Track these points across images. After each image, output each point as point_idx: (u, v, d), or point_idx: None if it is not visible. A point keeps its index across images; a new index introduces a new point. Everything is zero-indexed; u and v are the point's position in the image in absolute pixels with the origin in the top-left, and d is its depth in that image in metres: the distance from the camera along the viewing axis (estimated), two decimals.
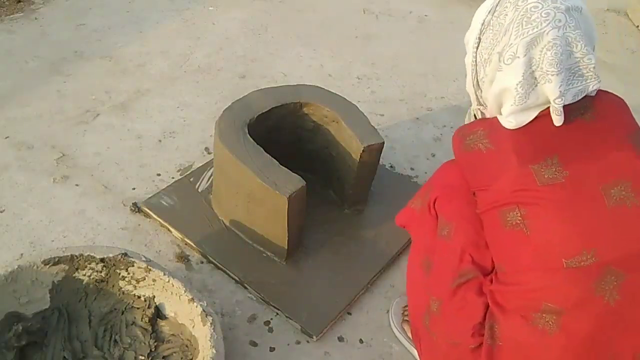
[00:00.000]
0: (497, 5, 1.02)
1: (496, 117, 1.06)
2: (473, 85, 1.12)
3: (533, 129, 1.00)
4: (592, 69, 0.97)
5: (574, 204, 0.94)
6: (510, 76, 0.99)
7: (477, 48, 1.07)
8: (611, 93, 1.07)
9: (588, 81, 0.98)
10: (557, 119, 0.97)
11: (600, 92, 1.04)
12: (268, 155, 1.47)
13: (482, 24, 1.05)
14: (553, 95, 0.96)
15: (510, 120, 1.01)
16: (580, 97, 0.99)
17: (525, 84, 0.98)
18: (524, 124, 1.00)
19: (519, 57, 0.97)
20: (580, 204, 0.94)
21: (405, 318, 1.44)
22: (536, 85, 0.98)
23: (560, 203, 0.95)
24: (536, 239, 0.96)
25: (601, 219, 0.94)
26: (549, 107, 0.98)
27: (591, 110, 1.01)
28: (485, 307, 1.06)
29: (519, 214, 0.97)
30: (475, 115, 1.21)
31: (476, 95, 1.13)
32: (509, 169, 0.98)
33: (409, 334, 1.40)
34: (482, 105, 1.14)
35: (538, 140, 0.99)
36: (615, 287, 0.92)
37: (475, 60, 1.08)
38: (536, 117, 1.00)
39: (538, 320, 0.96)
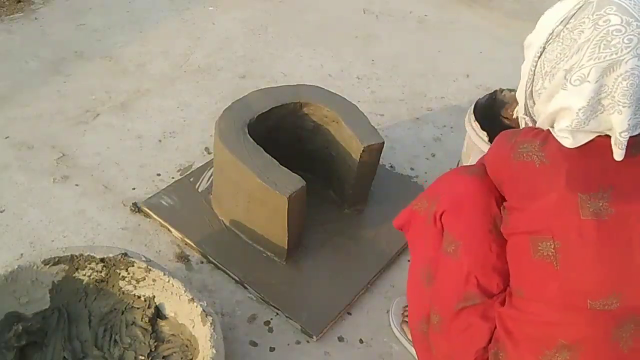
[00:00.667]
0: (571, 17, 0.92)
1: (548, 131, 0.98)
2: (525, 95, 1.03)
3: (591, 155, 0.92)
4: None
5: (611, 246, 0.89)
6: (575, 99, 0.90)
7: (540, 57, 0.98)
8: None
9: None
10: (619, 153, 0.89)
11: None
12: (268, 155, 1.47)
13: (551, 34, 0.95)
14: (620, 127, 0.88)
15: (566, 136, 0.92)
16: None
17: (589, 110, 0.89)
18: (581, 143, 0.92)
19: (589, 81, 0.88)
20: (617, 247, 0.89)
21: (405, 319, 1.44)
22: (601, 113, 0.89)
23: (597, 242, 0.89)
24: (565, 274, 0.91)
25: (634, 264, 0.89)
26: (608, 138, 0.91)
27: None
28: (491, 332, 1.03)
29: (552, 246, 0.91)
30: (517, 118, 1.13)
31: (526, 104, 1.05)
32: (554, 190, 0.91)
33: (409, 334, 1.40)
34: (529, 117, 1.07)
35: (594, 168, 0.92)
36: (631, 335, 0.90)
37: (534, 70, 0.99)
38: (595, 142, 0.92)
39: (549, 358, 0.93)
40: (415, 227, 1.20)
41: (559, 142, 0.94)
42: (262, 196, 1.43)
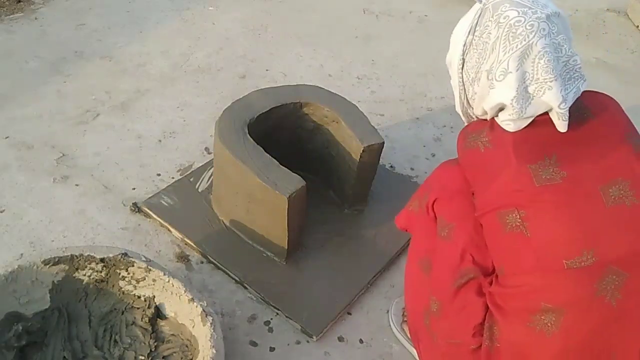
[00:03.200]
0: (476, 26, 1.03)
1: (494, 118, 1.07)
2: (463, 105, 1.13)
3: (533, 130, 1.01)
4: (578, 69, 0.99)
5: (572, 205, 0.95)
6: (504, 92, 0.99)
7: (463, 68, 1.08)
8: (601, 93, 1.09)
9: (578, 81, 0.99)
10: (562, 125, 0.98)
11: (590, 92, 1.05)
12: (268, 155, 1.47)
13: (464, 45, 1.06)
14: (557, 101, 0.96)
15: (508, 123, 1.02)
16: (574, 99, 1.00)
17: (520, 98, 0.98)
18: (522, 127, 1.01)
19: (511, 72, 0.98)
20: (578, 204, 0.95)
21: (405, 319, 1.44)
22: (532, 99, 0.98)
23: (559, 204, 0.95)
24: (536, 240, 0.96)
25: (600, 218, 0.94)
26: (547, 113, 0.99)
27: (586, 111, 1.02)
28: (486, 307, 1.06)
29: (518, 216, 0.97)
30: None
31: (468, 112, 1.14)
32: (507, 168, 0.98)
33: (409, 334, 1.40)
34: (474, 120, 1.15)
35: (537, 140, 1.00)
36: (616, 287, 0.92)
37: (462, 80, 1.09)
38: (536, 121, 1.01)
39: (536, 322, 0.96)
40: (414, 224, 1.24)
41: (504, 128, 1.03)
42: (262, 196, 1.43)
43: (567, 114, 0.97)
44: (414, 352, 1.37)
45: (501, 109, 1.03)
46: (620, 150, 0.99)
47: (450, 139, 2.14)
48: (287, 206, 1.39)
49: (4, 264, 1.22)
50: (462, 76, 1.09)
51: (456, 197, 1.12)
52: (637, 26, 3.20)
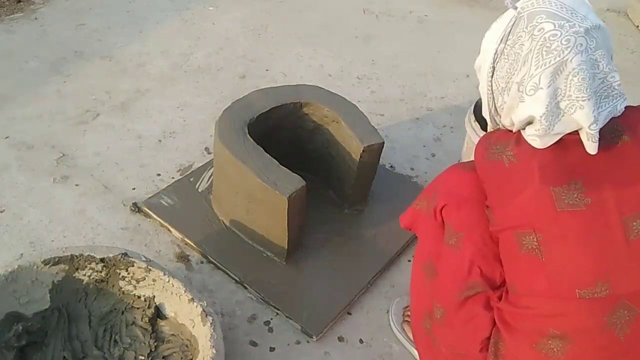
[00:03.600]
0: (509, 34, 0.98)
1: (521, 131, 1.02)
2: (490, 112, 1.08)
3: (562, 150, 0.96)
4: (617, 87, 0.94)
5: (592, 234, 0.91)
6: (534, 107, 0.94)
7: (492, 76, 1.03)
8: (636, 109, 1.02)
9: (616, 100, 0.94)
10: (592, 147, 0.92)
11: (631, 109, 0.99)
12: (268, 155, 1.47)
13: (495, 53, 1.00)
14: (587, 121, 0.91)
15: (534, 139, 0.97)
16: (609, 119, 0.94)
17: (550, 115, 0.93)
18: (549, 144, 0.96)
19: (542, 88, 0.93)
20: (599, 235, 0.91)
21: (406, 319, 1.44)
22: (563, 116, 0.93)
23: (579, 232, 0.91)
24: (551, 266, 0.93)
25: (619, 251, 0.91)
26: (577, 132, 0.95)
27: (621, 132, 0.96)
28: (493, 322, 1.04)
29: (535, 239, 0.94)
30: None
31: (493, 120, 1.09)
32: (529, 187, 0.94)
33: (409, 334, 1.40)
34: (500, 127, 1.10)
35: (564, 162, 0.95)
36: (626, 322, 0.91)
37: (492, 89, 1.04)
38: (565, 140, 0.95)
39: (543, 345, 0.94)
40: (420, 225, 1.22)
41: (530, 143, 0.98)
42: (262, 196, 1.43)
43: (597, 135, 0.92)
44: (415, 352, 1.37)
45: (529, 123, 0.99)
46: None
47: (450, 139, 2.14)
48: (287, 206, 1.39)
49: (4, 264, 1.22)
50: (492, 84, 1.04)
51: (465, 205, 1.09)
52: (637, 26, 3.20)
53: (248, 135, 1.51)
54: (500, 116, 1.07)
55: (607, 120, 0.94)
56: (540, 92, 0.93)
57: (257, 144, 1.49)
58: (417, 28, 2.93)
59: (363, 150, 1.55)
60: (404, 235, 1.64)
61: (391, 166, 1.98)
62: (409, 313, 1.44)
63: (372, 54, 2.64)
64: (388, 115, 2.24)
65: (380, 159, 1.67)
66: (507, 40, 0.98)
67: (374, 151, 1.59)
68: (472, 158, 1.49)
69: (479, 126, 1.60)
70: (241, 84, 2.30)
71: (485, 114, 1.11)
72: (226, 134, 1.50)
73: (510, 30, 0.98)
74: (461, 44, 2.77)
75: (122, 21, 2.64)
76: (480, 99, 1.72)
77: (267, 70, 2.43)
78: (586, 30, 0.91)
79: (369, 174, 1.68)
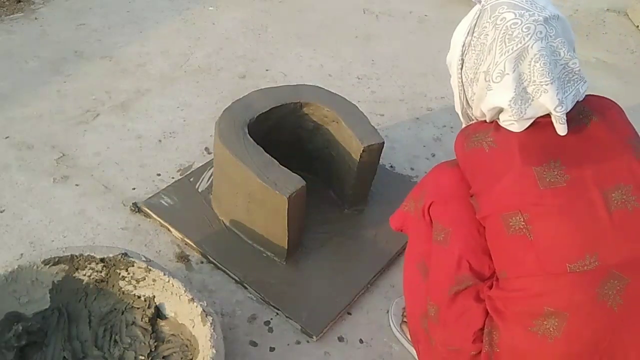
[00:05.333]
0: (474, 26, 1.04)
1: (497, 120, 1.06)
2: (463, 105, 1.13)
3: (539, 132, 1.00)
4: (577, 72, 0.99)
5: (575, 209, 0.94)
6: (502, 93, 0.99)
7: (462, 69, 1.08)
8: (605, 97, 1.08)
9: (577, 84, 0.99)
10: (561, 128, 0.97)
11: (594, 96, 1.05)
12: (268, 155, 1.47)
13: (463, 45, 1.06)
14: (553, 104, 0.96)
15: (512, 122, 1.01)
16: (575, 102, 1.00)
17: (519, 99, 0.98)
18: (526, 127, 1.01)
19: (507, 73, 0.98)
20: (581, 208, 0.94)
21: (405, 319, 1.44)
22: (532, 100, 0.98)
23: (562, 207, 0.95)
24: (540, 243, 0.95)
25: (603, 223, 0.94)
26: (549, 115, 0.99)
27: (590, 115, 1.02)
28: (486, 312, 1.05)
29: (522, 219, 0.96)
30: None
31: (467, 113, 1.15)
32: (511, 169, 0.98)
33: (408, 335, 1.40)
34: (473, 121, 1.15)
35: (542, 142, 0.99)
36: (618, 292, 0.92)
37: (462, 81, 1.10)
38: (537, 122, 1.00)
39: (538, 327, 0.96)
40: (410, 226, 1.24)
41: (508, 129, 1.03)
42: (262, 196, 1.43)
43: (564, 117, 0.97)
44: (414, 352, 1.37)
45: (499, 112, 1.03)
46: (623, 154, 0.99)
47: (450, 139, 2.14)
48: (287, 206, 1.39)
49: (4, 264, 1.22)
50: (462, 77, 1.09)
51: (452, 201, 1.11)
52: (637, 26, 3.20)
53: (248, 135, 1.51)
54: (471, 108, 1.11)
55: (574, 103, 0.99)
56: (507, 78, 0.98)
57: (257, 144, 1.49)
58: (417, 28, 2.93)
59: (363, 150, 1.55)
60: (404, 235, 1.63)
61: (391, 166, 1.98)
62: None
63: (372, 54, 2.64)
64: (388, 115, 2.24)
65: (380, 159, 1.67)
66: (473, 32, 1.04)
67: (374, 151, 1.59)
68: None
69: None
70: (241, 84, 2.30)
71: (458, 108, 1.16)
72: (226, 134, 1.50)
73: (476, 23, 1.04)
74: None
75: (122, 21, 2.64)
76: None
77: (267, 70, 2.43)
78: (545, 19, 0.96)
79: (369, 174, 1.68)
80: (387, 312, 1.49)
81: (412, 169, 1.99)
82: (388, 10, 3.06)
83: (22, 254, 1.50)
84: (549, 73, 0.96)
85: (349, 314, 1.49)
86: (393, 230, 1.30)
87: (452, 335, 1.10)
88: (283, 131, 1.70)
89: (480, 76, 1.03)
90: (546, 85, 0.96)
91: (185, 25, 2.68)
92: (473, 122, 1.14)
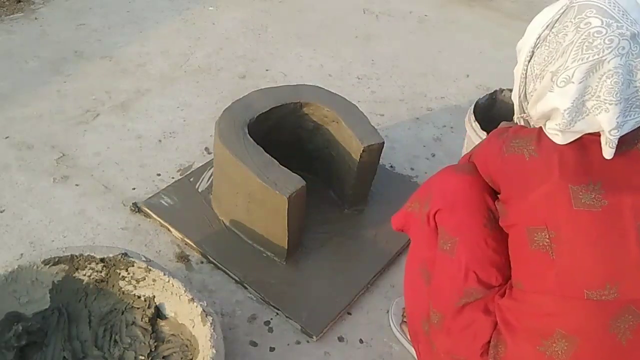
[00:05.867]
0: (556, 22, 0.96)
1: (540, 128, 1.02)
2: (519, 96, 1.07)
3: (584, 149, 0.95)
4: None
5: (606, 236, 0.91)
6: (560, 100, 0.93)
7: (530, 61, 1.01)
8: None
9: None
10: (609, 152, 0.91)
11: None
12: (268, 155, 1.47)
13: (538, 38, 0.98)
14: (609, 126, 0.90)
15: (556, 133, 0.96)
16: (632, 130, 0.93)
17: (573, 111, 0.92)
18: (570, 141, 0.95)
19: (573, 82, 0.91)
20: (611, 237, 0.91)
21: (405, 319, 1.44)
22: (587, 115, 0.92)
23: (592, 233, 0.91)
24: (561, 264, 0.93)
25: (631, 256, 0.90)
26: (599, 134, 0.94)
27: None
28: (494, 325, 1.03)
29: (547, 236, 0.93)
30: (517, 123, 1.16)
31: (521, 105, 1.08)
32: (547, 182, 0.94)
33: (408, 335, 1.40)
34: (526, 114, 1.09)
35: (586, 161, 0.94)
36: (630, 327, 0.90)
37: (526, 73, 1.03)
38: (583, 138, 0.95)
39: (546, 347, 0.94)
40: (413, 228, 1.21)
41: (551, 139, 0.97)
42: (262, 196, 1.43)
43: (616, 141, 0.91)
44: (414, 352, 1.37)
45: (550, 117, 0.98)
46: None
47: (450, 139, 2.14)
48: (287, 206, 1.39)
49: (4, 264, 1.22)
50: (527, 69, 1.02)
51: (460, 209, 1.09)
52: None
53: (248, 135, 1.51)
54: (528, 102, 1.05)
55: (632, 129, 0.92)
56: (571, 86, 0.92)
57: (257, 144, 1.49)
58: (417, 28, 2.93)
59: (363, 150, 1.55)
60: (404, 235, 1.63)
61: (391, 166, 1.98)
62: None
63: (372, 54, 2.64)
64: (388, 115, 2.24)
65: (380, 159, 1.67)
66: (552, 28, 0.96)
67: (374, 151, 1.59)
68: None
69: (479, 126, 1.61)
70: (241, 84, 2.30)
71: (515, 97, 1.09)
72: (226, 134, 1.50)
73: (559, 18, 0.95)
74: (461, 44, 2.77)
75: (122, 21, 2.64)
76: (480, 99, 1.74)
77: (267, 70, 2.43)
78: (632, 34, 0.89)
79: (369, 174, 1.68)
80: (387, 312, 1.49)
81: (412, 169, 1.99)
82: (388, 10, 3.06)
83: (22, 254, 1.50)
84: (617, 93, 0.89)
85: (349, 314, 1.49)
86: (394, 229, 1.28)
87: (457, 345, 1.08)
88: (283, 131, 1.70)
89: (546, 75, 0.96)
90: (610, 104, 0.90)
91: (185, 25, 2.68)
92: (512, 125, 1.09)
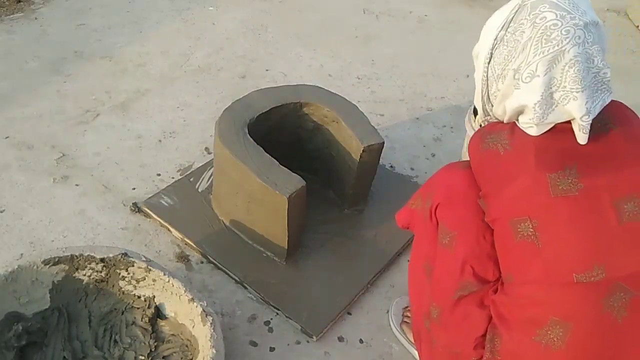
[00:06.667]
0: (510, 22, 1.00)
1: (515, 122, 1.04)
2: (483, 100, 1.10)
3: (556, 137, 0.98)
4: (607, 82, 0.96)
5: (586, 218, 0.93)
6: (528, 95, 0.97)
7: (489, 63, 1.05)
8: (624, 106, 1.06)
9: (604, 94, 0.97)
10: (583, 137, 0.95)
11: (614, 103, 1.02)
12: (268, 155, 1.47)
13: (495, 39, 1.02)
14: (579, 112, 0.94)
15: (531, 126, 0.99)
16: (599, 111, 0.98)
17: (544, 104, 0.96)
18: (544, 131, 0.99)
19: (538, 75, 0.95)
20: (592, 219, 0.93)
21: (405, 319, 1.44)
22: (556, 106, 0.96)
23: (573, 217, 0.93)
24: (547, 252, 0.94)
25: (613, 234, 0.92)
26: (570, 121, 0.97)
27: (608, 123, 0.99)
28: (488, 319, 1.04)
29: (530, 226, 0.95)
30: (480, 125, 1.18)
31: (485, 108, 1.12)
32: (524, 173, 0.96)
33: (408, 335, 1.40)
34: (491, 116, 1.12)
35: (559, 148, 0.97)
36: (623, 304, 0.91)
37: (487, 75, 1.06)
38: (558, 128, 0.98)
39: (542, 337, 0.95)
40: (416, 225, 1.22)
41: (524, 131, 1.00)
42: (262, 196, 1.43)
43: (589, 127, 0.94)
44: (414, 352, 1.37)
45: (520, 112, 1.01)
46: (639, 165, 0.96)
47: (450, 139, 2.14)
48: (287, 206, 1.39)
49: (4, 264, 1.22)
50: (488, 71, 1.05)
51: (459, 204, 1.10)
52: (637, 26, 3.20)
53: (248, 135, 1.51)
54: (492, 105, 1.08)
55: (597, 113, 0.97)
56: (536, 80, 0.95)
57: (257, 144, 1.49)
58: (417, 28, 2.93)
59: (363, 150, 1.55)
60: (404, 235, 1.64)
61: (391, 166, 1.98)
62: (407, 313, 1.44)
63: (372, 54, 2.64)
64: (388, 115, 2.24)
65: (380, 159, 1.67)
66: (508, 27, 1.00)
67: (374, 151, 1.59)
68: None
69: (479, 126, 1.60)
70: (241, 84, 2.30)
71: (478, 102, 1.13)
72: (226, 134, 1.50)
73: (513, 18, 0.99)
74: (461, 44, 2.77)
75: (122, 21, 2.64)
76: None
77: (267, 70, 2.43)
78: (585, 24, 0.93)
79: (369, 174, 1.68)
80: (387, 312, 1.49)
81: (412, 169, 1.99)
82: (388, 10, 3.06)
83: (22, 254, 1.50)
84: (581, 80, 0.93)
85: (349, 314, 1.49)
86: (399, 227, 1.28)
87: (453, 338, 1.09)
88: (283, 131, 1.70)
89: (509, 73, 1.00)
90: (576, 92, 0.94)
91: (185, 25, 2.68)
92: (489, 118, 1.12)
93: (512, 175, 0.98)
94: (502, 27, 1.01)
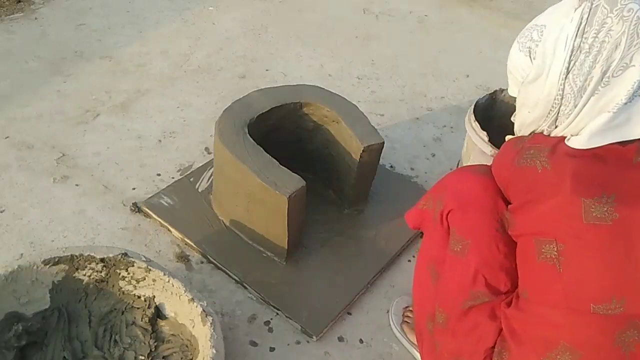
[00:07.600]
0: (585, 26, 0.92)
1: (561, 137, 0.99)
2: (546, 123, 1.01)
3: (598, 163, 0.93)
4: None
5: (614, 250, 0.90)
6: (619, 86, 0.91)
7: (566, 78, 0.95)
8: None
9: None
10: None
11: None
12: (268, 155, 1.47)
13: (572, 50, 0.93)
14: None
15: (584, 137, 0.93)
16: None
17: (633, 93, 0.90)
18: (592, 147, 0.93)
19: (634, 65, 0.89)
20: (619, 252, 0.90)
21: (405, 319, 1.44)
22: None
23: (600, 247, 0.90)
24: (568, 278, 0.92)
25: (637, 269, 0.89)
26: (622, 144, 0.92)
27: None
28: (498, 331, 1.03)
29: (555, 249, 0.93)
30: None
31: (546, 131, 1.03)
32: (559, 195, 0.92)
33: (409, 335, 1.40)
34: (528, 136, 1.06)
35: (599, 174, 0.92)
36: (634, 341, 0.90)
37: (563, 92, 0.96)
38: (605, 152, 0.93)
39: (551, 359, 0.94)
40: (427, 226, 1.21)
41: (566, 149, 0.95)
42: (262, 196, 1.43)
43: None
44: (415, 352, 1.37)
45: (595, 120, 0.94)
46: None
47: (450, 139, 2.14)
48: (287, 206, 1.39)
49: (4, 264, 1.22)
50: (564, 87, 0.96)
51: (472, 211, 1.08)
52: None
53: (248, 135, 1.51)
54: (555, 126, 1.00)
55: None
56: (631, 70, 0.90)
57: (257, 144, 1.49)
58: (417, 28, 2.93)
59: (363, 150, 1.55)
60: (404, 235, 1.64)
61: (391, 166, 1.98)
62: (408, 313, 1.44)
63: (372, 54, 2.64)
64: (388, 115, 2.24)
65: (380, 159, 1.67)
66: (583, 34, 0.92)
67: (374, 151, 1.59)
68: (472, 158, 1.46)
69: (479, 126, 1.60)
70: (241, 84, 2.30)
71: (532, 124, 1.03)
72: (226, 134, 1.50)
73: (587, 22, 0.92)
74: (461, 44, 2.77)
75: (122, 21, 2.64)
76: (480, 99, 1.74)
77: (267, 70, 2.43)
78: None
79: (369, 174, 1.68)
80: (387, 312, 1.49)
81: (412, 169, 1.99)
82: (388, 10, 3.06)
83: (22, 254, 1.50)
84: None
85: (349, 314, 1.49)
86: (410, 227, 1.26)
87: (460, 347, 1.08)
88: (283, 131, 1.70)
89: (593, 79, 0.92)
90: None
91: (185, 25, 2.68)
92: (532, 134, 1.05)
93: (546, 195, 0.94)
94: (576, 35, 0.93)
